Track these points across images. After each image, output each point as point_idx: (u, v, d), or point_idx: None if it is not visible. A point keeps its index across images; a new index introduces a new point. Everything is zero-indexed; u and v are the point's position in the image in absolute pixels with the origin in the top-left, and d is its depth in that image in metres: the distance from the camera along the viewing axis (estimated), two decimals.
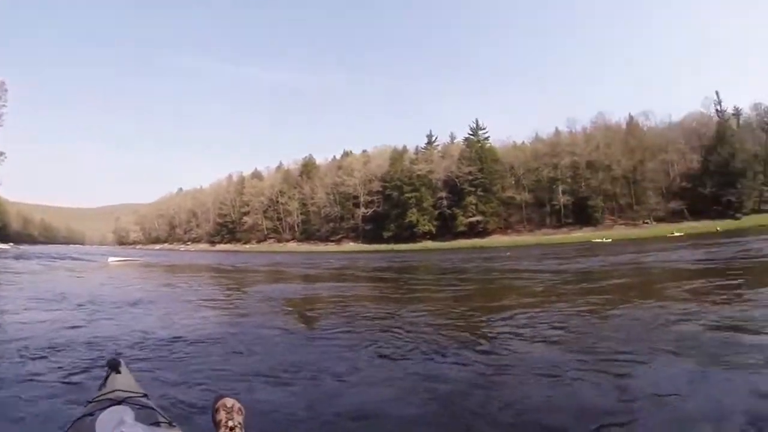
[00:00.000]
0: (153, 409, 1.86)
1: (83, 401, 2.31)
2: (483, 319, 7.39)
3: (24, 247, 70.14)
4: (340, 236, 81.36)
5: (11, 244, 77.05)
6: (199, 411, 3.24)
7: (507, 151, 75.75)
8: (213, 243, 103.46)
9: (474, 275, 16.75)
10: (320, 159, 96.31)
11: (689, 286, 10.01)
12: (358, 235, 79.39)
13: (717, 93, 67.75)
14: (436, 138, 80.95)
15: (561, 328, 6.30)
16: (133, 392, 1.98)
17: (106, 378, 2.20)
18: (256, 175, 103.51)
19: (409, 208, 71.15)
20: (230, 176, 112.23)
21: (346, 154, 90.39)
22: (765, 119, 64.85)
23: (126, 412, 1.62)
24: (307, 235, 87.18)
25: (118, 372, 2.21)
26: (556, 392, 3.91)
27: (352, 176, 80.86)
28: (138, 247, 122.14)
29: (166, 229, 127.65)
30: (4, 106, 53.56)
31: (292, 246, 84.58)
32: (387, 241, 71.05)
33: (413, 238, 69.33)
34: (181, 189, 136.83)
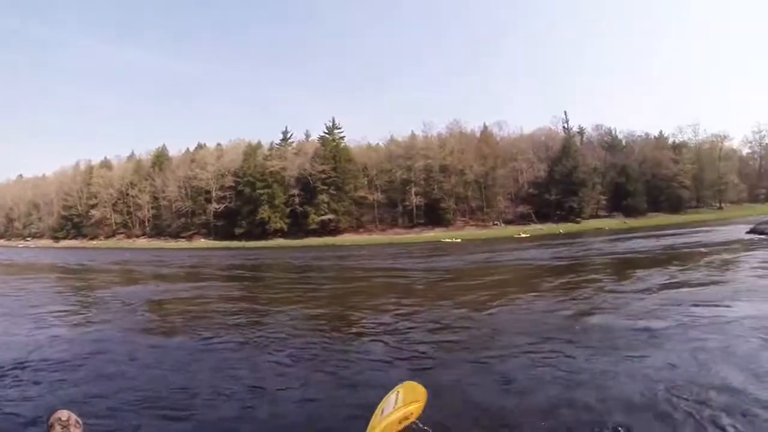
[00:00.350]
0: None
1: None
2: (364, 320, 7.32)
3: None
4: (191, 232, 77.31)
5: None
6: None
7: (361, 152, 76.96)
8: (57, 239, 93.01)
9: (335, 273, 17.25)
10: (174, 151, 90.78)
11: (550, 282, 11.92)
12: (209, 231, 75.83)
13: (565, 113, 77.96)
14: (292, 135, 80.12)
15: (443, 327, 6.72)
16: None
17: None
18: (106, 165, 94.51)
19: (261, 204, 69.48)
20: (77, 164, 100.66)
21: (199, 147, 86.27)
22: (605, 138, 75.22)
23: None
24: (158, 230, 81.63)
25: None
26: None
27: (205, 170, 77.15)
28: None
29: (3, 222, 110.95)
30: None
31: (142, 242, 79.11)
32: (238, 237, 69.23)
33: (265, 235, 68.18)
34: (21, 176, 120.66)
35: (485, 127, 77.61)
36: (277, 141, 78.96)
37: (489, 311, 7.95)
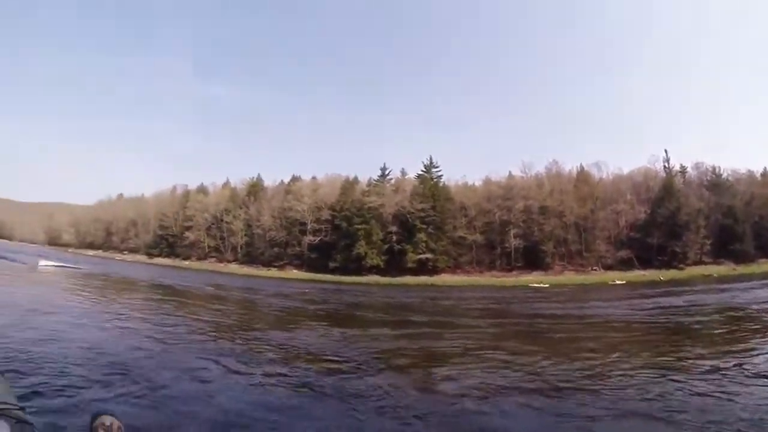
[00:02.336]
0: (30, 423, 1.71)
1: None
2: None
3: None
4: (283, 262, 77.96)
5: None
6: None
7: (459, 191, 76.04)
8: (151, 255, 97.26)
9: (464, 321, 15.61)
10: (268, 181, 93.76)
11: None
12: (302, 262, 76.10)
13: (666, 151, 72.55)
14: (390, 171, 79.64)
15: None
16: (10, 404, 1.79)
17: None
18: (202, 190, 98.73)
19: (358, 240, 68.93)
20: (174, 188, 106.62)
21: (295, 179, 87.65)
22: (707, 178, 69.87)
23: (2, 426, 1.53)
24: (250, 258, 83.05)
25: None
26: None
27: (302, 202, 78.15)
28: (70, 250, 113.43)
29: (102, 235, 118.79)
30: None
31: (234, 267, 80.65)
32: (332, 271, 68.62)
33: (360, 270, 67.28)
34: (121, 195, 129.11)
35: (582, 167, 74.69)
36: (375, 177, 79.00)
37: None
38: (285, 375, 5.54)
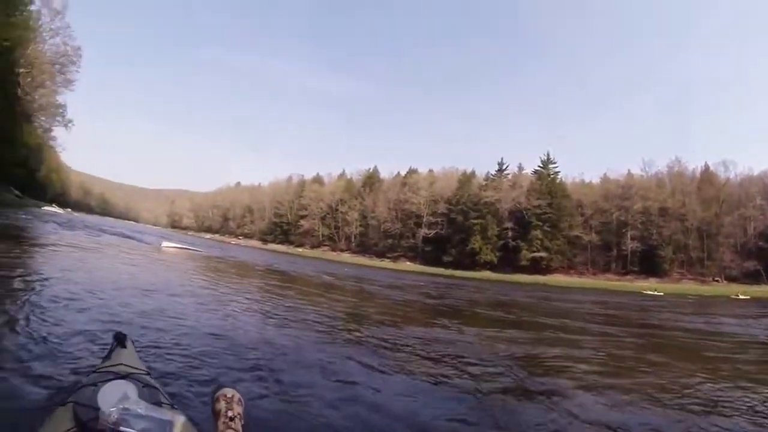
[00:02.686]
0: (156, 388, 1.92)
1: (86, 368, 2.36)
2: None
3: (79, 215, 71.37)
4: (397, 254, 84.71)
5: (69, 210, 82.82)
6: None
7: (576, 188, 77.61)
8: (265, 241, 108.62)
9: (587, 325, 14.20)
10: (384, 173, 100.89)
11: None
12: (416, 255, 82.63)
13: None
14: (507, 166, 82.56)
15: None
16: (138, 369, 2.05)
17: (111, 351, 2.27)
18: (317, 180, 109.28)
19: (473, 234, 73.24)
20: (290, 177, 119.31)
21: (411, 172, 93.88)
22: None
23: (130, 388, 1.72)
24: (364, 248, 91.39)
25: (124, 347, 2.29)
26: None
27: (418, 195, 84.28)
28: (190, 233, 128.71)
29: (220, 220, 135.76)
30: (77, 71, 58.50)
31: (347, 257, 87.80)
32: (445, 265, 73.18)
33: (473, 266, 70.91)
34: (239, 183, 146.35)
35: (707, 166, 70.78)
36: (492, 171, 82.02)
37: None
38: (439, 378, 5.06)
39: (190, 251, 26.55)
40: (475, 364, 5.93)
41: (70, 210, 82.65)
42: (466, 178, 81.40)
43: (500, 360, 6.40)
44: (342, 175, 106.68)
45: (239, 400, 1.70)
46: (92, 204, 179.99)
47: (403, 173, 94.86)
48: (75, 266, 9.58)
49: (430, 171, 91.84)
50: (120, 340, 2.28)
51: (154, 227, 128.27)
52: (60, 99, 60.64)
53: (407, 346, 6.82)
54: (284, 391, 3.93)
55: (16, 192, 54.91)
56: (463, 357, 6.39)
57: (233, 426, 1.57)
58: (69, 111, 58.45)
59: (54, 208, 58.43)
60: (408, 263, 79.56)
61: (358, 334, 7.39)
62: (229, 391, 1.70)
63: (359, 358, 5.53)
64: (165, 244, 26.19)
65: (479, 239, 72.09)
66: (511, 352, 7.02)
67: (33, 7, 47.81)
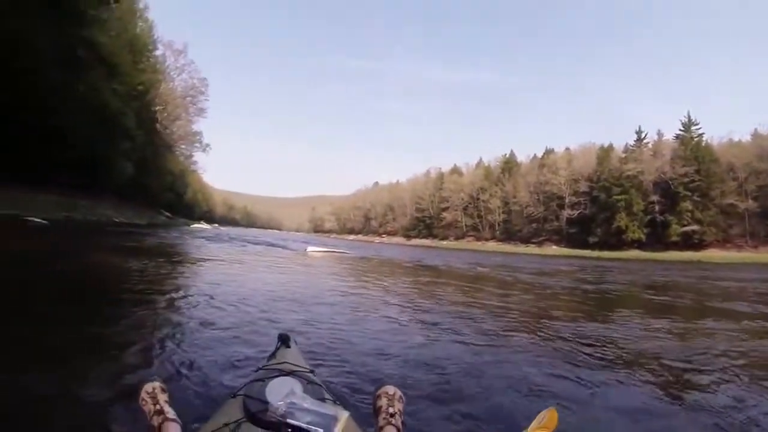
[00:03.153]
0: (319, 385, 2.18)
1: (253, 367, 2.77)
2: None
3: (225, 229, 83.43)
4: (542, 238, 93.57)
5: (215, 225, 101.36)
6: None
7: (724, 150, 77.33)
8: (408, 237, 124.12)
9: None
10: (520, 157, 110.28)
11: None
12: (561, 238, 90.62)
13: None
14: (646, 134, 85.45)
15: None
16: (301, 367, 2.36)
17: (276, 350, 2.72)
18: (456, 171, 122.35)
19: (618, 212, 77.74)
20: (428, 171, 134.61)
21: (548, 152, 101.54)
22: None
23: (295, 384, 2.00)
24: (508, 235, 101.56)
25: (288, 346, 2.72)
26: None
27: (557, 175, 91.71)
28: (332, 236, 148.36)
29: (361, 221, 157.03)
30: (206, 100, 78.73)
31: (492, 245, 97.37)
32: (592, 246, 79.14)
33: (620, 245, 75.48)
34: (377, 183, 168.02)
35: None
36: (631, 142, 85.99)
37: None
38: (674, 391, 4.36)
39: (336, 254, 27.77)
40: (690, 370, 5.22)
41: (216, 225, 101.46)
42: (605, 153, 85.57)
43: (716, 363, 5.50)
44: (479, 163, 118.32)
45: (400, 397, 1.95)
46: (237, 217, 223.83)
47: (539, 155, 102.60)
48: (226, 278, 10.94)
49: (567, 149, 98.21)
50: (284, 340, 2.77)
51: (298, 233, 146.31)
52: (195, 127, 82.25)
53: (602, 344, 6.31)
54: (455, 396, 3.85)
55: (167, 214, 72.58)
56: (679, 360, 5.62)
57: (393, 422, 1.81)
58: (207, 136, 77.15)
59: (202, 225, 72.48)
60: (554, 247, 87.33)
61: (535, 332, 6.95)
62: (390, 389, 1.97)
63: (551, 362, 5.21)
64: (310, 249, 27.78)
65: (624, 216, 76.02)
66: (717, 351, 6.19)
67: (158, 52, 65.55)
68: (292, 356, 2.60)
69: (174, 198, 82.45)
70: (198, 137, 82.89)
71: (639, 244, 75.36)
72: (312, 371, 2.41)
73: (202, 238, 32.45)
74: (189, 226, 62.99)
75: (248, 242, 32.54)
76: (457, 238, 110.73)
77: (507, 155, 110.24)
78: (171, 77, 73.00)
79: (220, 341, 4.98)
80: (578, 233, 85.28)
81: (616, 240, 77.09)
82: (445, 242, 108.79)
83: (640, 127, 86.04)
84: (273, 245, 31.60)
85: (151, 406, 1.87)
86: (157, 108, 65.43)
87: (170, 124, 73.70)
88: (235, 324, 5.88)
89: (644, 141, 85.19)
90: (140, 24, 56.73)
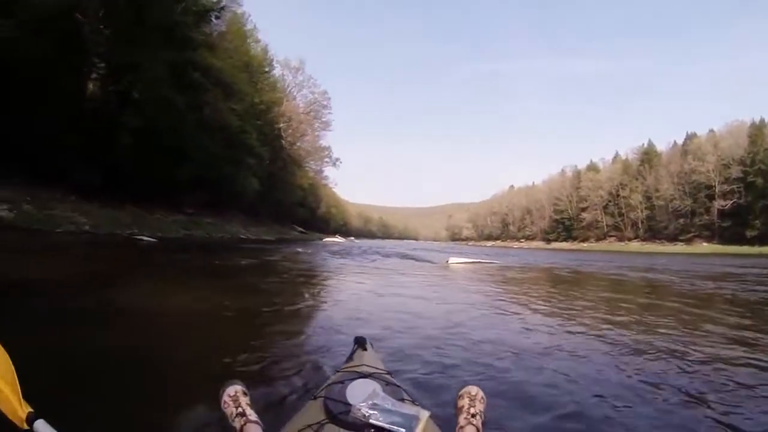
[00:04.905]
0: (398, 386, 2.17)
1: (331, 369, 2.85)
2: None
3: (360, 241, 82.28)
4: (691, 234, 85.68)
5: (351, 238, 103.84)
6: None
7: None
8: (548, 241, 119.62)
9: None
10: (660, 146, 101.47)
11: None
12: (712, 233, 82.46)
13: None
14: None
15: None
16: (379, 369, 2.35)
17: (353, 353, 2.69)
18: (593, 168, 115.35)
19: None
20: (563, 170, 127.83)
21: (690, 137, 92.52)
22: None
23: (375, 386, 2.01)
24: (653, 232, 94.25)
25: (365, 349, 2.71)
26: None
27: (704, 161, 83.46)
28: (470, 243, 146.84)
29: (499, 227, 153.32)
30: (330, 113, 79.21)
31: (635, 246, 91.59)
32: (750, 241, 71.60)
33: None
34: (512, 186, 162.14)
35: None
36: None
37: None
38: None
39: (483, 264, 25.00)
40: None
41: (352, 238, 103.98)
42: (757, 130, 77.21)
43: None
44: (616, 157, 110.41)
45: (482, 398, 1.87)
46: (373, 230, 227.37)
47: (679, 142, 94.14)
48: (357, 297, 9.44)
49: (711, 131, 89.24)
50: (361, 343, 2.74)
51: (435, 242, 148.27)
52: (324, 142, 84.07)
53: None
54: None
55: (300, 229, 74.31)
56: None
57: (474, 422, 1.75)
58: (338, 152, 79.55)
59: (336, 239, 73.63)
60: (704, 244, 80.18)
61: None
62: (473, 389, 1.89)
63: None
64: (452, 260, 25.12)
65: None
66: None
67: (276, 71, 68.74)
68: (370, 359, 2.58)
69: (307, 213, 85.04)
70: (327, 152, 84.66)
71: None
72: (390, 373, 2.42)
73: (329, 251, 30.33)
74: (321, 240, 63.39)
75: (380, 254, 29.69)
76: (597, 239, 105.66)
77: (645, 145, 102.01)
78: (292, 94, 75.50)
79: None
80: (733, 227, 77.88)
81: None
82: (585, 244, 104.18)
83: None
84: (410, 257, 28.35)
85: (233, 409, 1.80)
86: (281, 125, 67.58)
87: (296, 140, 76.06)
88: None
89: None
90: (252, 44, 59.18)
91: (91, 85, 31.79)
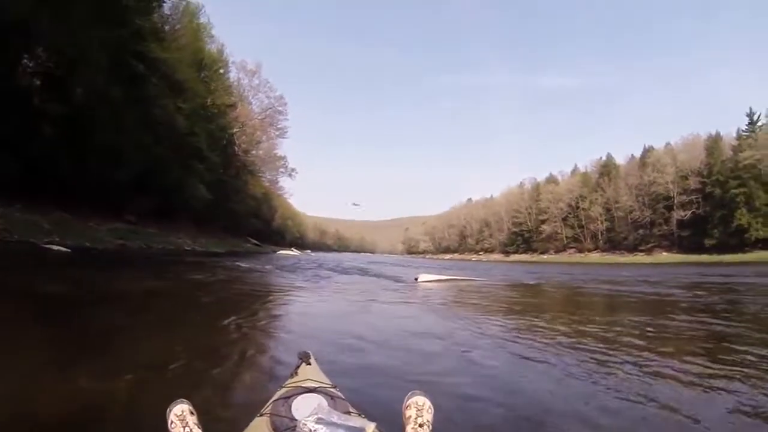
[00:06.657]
0: (344, 399, 2.26)
1: (275, 386, 2.75)
2: None
3: (315, 254, 78.57)
4: (650, 245, 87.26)
5: (308, 251, 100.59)
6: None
7: None
8: (507, 253, 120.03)
9: None
10: (618, 159, 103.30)
11: None
12: (672, 243, 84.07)
13: None
14: (758, 116, 77.01)
15: None
16: (324, 383, 2.40)
17: (297, 368, 2.68)
18: (552, 180, 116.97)
19: (737, 208, 71.47)
20: (522, 183, 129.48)
21: (647, 150, 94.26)
22: None
23: (320, 400, 2.07)
24: (612, 244, 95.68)
25: (308, 363, 2.71)
26: None
27: (663, 173, 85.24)
28: (427, 256, 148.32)
29: (457, 239, 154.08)
30: (286, 119, 77.28)
31: (595, 257, 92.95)
32: (708, 250, 72.90)
33: (742, 246, 69.44)
34: (470, 199, 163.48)
35: None
36: (743, 127, 78.53)
37: None
38: None
39: (457, 282, 21.47)
40: None
41: (309, 251, 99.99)
42: (714, 143, 78.90)
43: None
44: (575, 170, 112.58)
45: (429, 408, 1.95)
46: (329, 243, 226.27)
47: (637, 155, 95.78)
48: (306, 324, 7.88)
49: (668, 145, 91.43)
50: (304, 357, 2.75)
51: (392, 255, 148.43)
52: (280, 152, 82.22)
53: None
54: None
55: (253, 241, 71.98)
56: None
57: None
58: (295, 163, 77.10)
59: (290, 251, 71.26)
60: (664, 254, 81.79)
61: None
62: (420, 399, 1.96)
63: None
64: (422, 278, 21.31)
65: (745, 213, 69.88)
66: None
67: (232, 74, 66.03)
68: (314, 373, 2.61)
69: (261, 224, 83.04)
70: (283, 162, 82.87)
71: (764, 243, 68.02)
72: (335, 386, 2.43)
73: (280, 267, 26.76)
74: (275, 252, 62.40)
75: (335, 271, 26.11)
76: (557, 251, 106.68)
77: (603, 158, 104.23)
78: (247, 99, 73.43)
79: None
80: (692, 236, 79.41)
81: (737, 241, 70.50)
82: (545, 256, 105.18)
83: (751, 109, 78.07)
84: (367, 272, 25.85)
85: (181, 429, 1.91)
86: (235, 131, 65.36)
87: (251, 147, 73.91)
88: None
89: (758, 124, 76.95)
90: (207, 40, 56.43)
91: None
